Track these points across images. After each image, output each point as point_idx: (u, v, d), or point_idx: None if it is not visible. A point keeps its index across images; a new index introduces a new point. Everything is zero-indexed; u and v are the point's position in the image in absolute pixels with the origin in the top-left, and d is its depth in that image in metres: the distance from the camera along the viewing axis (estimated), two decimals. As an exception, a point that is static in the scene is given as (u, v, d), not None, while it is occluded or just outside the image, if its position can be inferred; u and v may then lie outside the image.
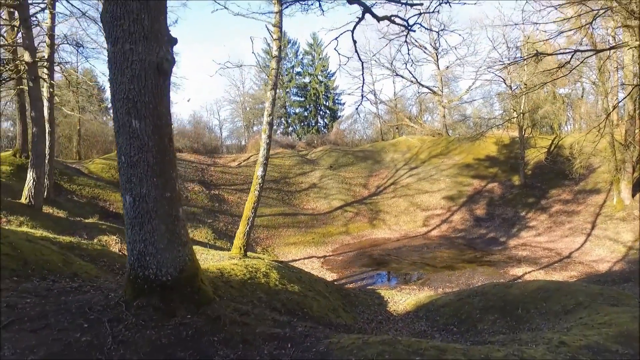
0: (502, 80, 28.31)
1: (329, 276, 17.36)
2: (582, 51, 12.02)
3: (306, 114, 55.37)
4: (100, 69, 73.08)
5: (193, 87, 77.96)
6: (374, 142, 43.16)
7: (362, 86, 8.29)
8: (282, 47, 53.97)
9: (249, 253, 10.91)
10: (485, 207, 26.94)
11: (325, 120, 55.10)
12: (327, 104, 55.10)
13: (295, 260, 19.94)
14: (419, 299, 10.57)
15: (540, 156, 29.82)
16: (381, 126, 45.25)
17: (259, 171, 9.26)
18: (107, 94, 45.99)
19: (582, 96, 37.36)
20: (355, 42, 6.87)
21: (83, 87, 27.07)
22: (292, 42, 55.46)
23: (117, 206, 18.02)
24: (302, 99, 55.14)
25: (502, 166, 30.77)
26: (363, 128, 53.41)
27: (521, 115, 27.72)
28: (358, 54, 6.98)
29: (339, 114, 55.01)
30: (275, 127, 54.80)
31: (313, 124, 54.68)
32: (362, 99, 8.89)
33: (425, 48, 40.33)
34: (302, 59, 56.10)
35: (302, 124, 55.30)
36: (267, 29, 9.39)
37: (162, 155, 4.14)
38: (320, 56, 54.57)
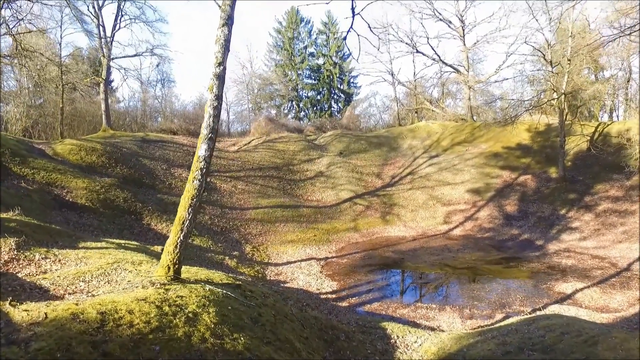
0: (541, 55, 24.21)
1: (328, 286, 14.16)
2: None
3: (319, 98, 51.79)
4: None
5: (198, 66, 75.02)
6: (391, 127, 39.37)
7: (350, 30, 4.88)
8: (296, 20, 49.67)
9: (192, 270, 7.67)
10: (517, 202, 23.20)
11: (340, 104, 51.38)
12: (341, 87, 51.44)
13: (291, 263, 16.81)
14: (442, 342, 7.24)
15: (582, 145, 25.86)
16: (398, 110, 41.32)
17: (200, 150, 5.97)
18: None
19: (628, 80, 32.99)
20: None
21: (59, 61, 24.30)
22: (305, 20, 51.74)
23: (76, 194, 15.05)
24: (315, 82, 51.57)
25: (536, 156, 26.86)
26: (379, 112, 49.57)
27: (562, 96, 23.67)
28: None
29: (354, 98, 51.22)
30: (285, 110, 51.34)
31: (326, 108, 51.09)
32: (350, 55, 5.46)
33: (450, 22, 36.12)
34: (315, 38, 52.44)
35: (315, 108, 51.79)
36: None
37: None
38: (335, 36, 50.72)
